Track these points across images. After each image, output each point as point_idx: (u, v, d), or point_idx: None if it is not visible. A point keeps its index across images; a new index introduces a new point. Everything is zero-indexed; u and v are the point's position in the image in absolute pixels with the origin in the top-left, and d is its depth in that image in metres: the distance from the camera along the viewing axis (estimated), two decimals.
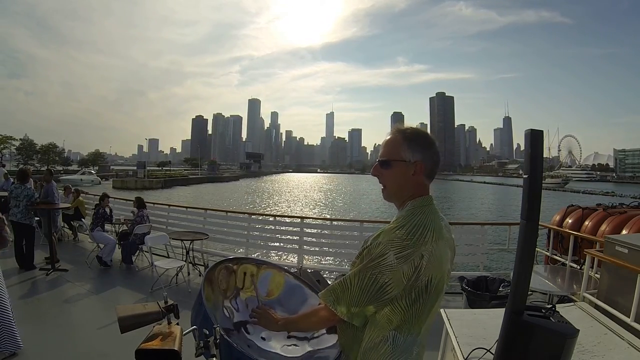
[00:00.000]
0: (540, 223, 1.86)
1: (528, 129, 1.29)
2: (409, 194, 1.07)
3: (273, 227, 6.41)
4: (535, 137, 1.29)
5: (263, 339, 1.26)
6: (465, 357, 1.72)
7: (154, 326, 1.04)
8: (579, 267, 3.94)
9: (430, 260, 0.96)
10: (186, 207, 7.59)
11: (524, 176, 1.31)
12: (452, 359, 1.88)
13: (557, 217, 5.00)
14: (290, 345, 1.27)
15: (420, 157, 1.05)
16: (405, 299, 0.98)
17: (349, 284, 1.01)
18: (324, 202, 40.82)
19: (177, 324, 1.07)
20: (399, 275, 0.95)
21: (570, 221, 4.70)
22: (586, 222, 4.50)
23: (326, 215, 27.45)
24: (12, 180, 7.41)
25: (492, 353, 1.64)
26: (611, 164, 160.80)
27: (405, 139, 1.06)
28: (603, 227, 4.20)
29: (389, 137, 1.10)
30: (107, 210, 6.15)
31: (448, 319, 2.04)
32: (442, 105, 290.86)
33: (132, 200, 6.90)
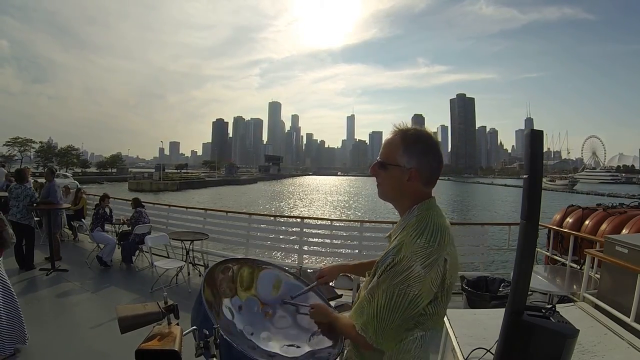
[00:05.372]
0: (540, 223, 1.86)
1: (528, 129, 1.29)
2: (408, 199, 1.05)
3: (273, 227, 6.40)
4: (535, 137, 1.29)
5: (263, 339, 1.26)
6: (465, 358, 1.72)
7: (154, 326, 1.04)
8: (579, 267, 3.94)
9: (451, 263, 0.97)
10: (186, 208, 7.59)
11: (524, 176, 1.31)
12: (452, 359, 1.88)
13: (557, 217, 4.99)
14: (290, 346, 1.27)
15: (415, 165, 1.01)
16: (432, 304, 0.98)
17: (375, 304, 0.97)
18: (343, 205, 40.72)
19: (177, 324, 1.07)
20: (428, 284, 0.94)
21: (570, 221, 4.70)
22: (586, 222, 4.49)
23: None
24: (11, 179, 7.39)
25: (492, 353, 1.63)
26: (637, 165, 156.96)
27: (403, 142, 1.02)
28: (603, 227, 4.20)
29: (389, 136, 1.06)
30: (107, 210, 6.15)
31: (448, 319, 2.04)
32: (462, 106, 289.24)
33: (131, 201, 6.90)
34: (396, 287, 0.94)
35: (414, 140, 1.02)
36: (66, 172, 54.77)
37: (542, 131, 1.30)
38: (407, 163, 1.01)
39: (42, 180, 8.64)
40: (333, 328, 1.19)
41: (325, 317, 1.20)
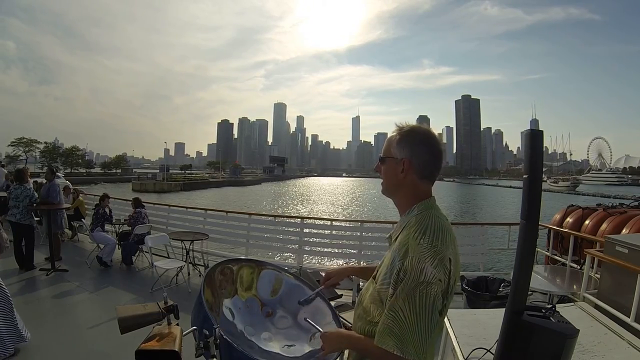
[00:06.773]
0: (540, 223, 1.86)
1: (528, 129, 1.29)
2: (406, 194, 1.05)
3: (273, 227, 6.40)
4: (535, 137, 1.29)
5: (264, 339, 1.26)
6: (465, 358, 1.72)
7: (154, 327, 1.04)
8: (579, 267, 3.94)
9: (454, 263, 0.95)
10: (186, 208, 7.59)
11: (524, 176, 1.31)
12: (452, 359, 1.88)
13: (557, 217, 4.99)
14: (290, 346, 1.27)
15: (408, 154, 1.02)
16: None
17: (401, 315, 0.90)
18: (345, 205, 40.78)
19: (177, 324, 1.07)
20: (440, 284, 0.91)
21: (570, 221, 4.70)
22: (586, 222, 4.49)
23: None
24: (11, 179, 7.37)
25: (492, 353, 1.64)
26: None
27: (398, 135, 1.05)
28: (603, 227, 4.20)
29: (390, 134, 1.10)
30: (107, 210, 6.15)
31: (448, 319, 2.04)
32: (467, 108, 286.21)
33: (130, 201, 6.90)
34: (416, 290, 0.90)
35: (407, 132, 1.05)
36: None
37: (541, 131, 1.30)
38: (400, 154, 1.03)
39: (41, 180, 8.62)
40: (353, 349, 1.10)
41: (340, 344, 1.10)
